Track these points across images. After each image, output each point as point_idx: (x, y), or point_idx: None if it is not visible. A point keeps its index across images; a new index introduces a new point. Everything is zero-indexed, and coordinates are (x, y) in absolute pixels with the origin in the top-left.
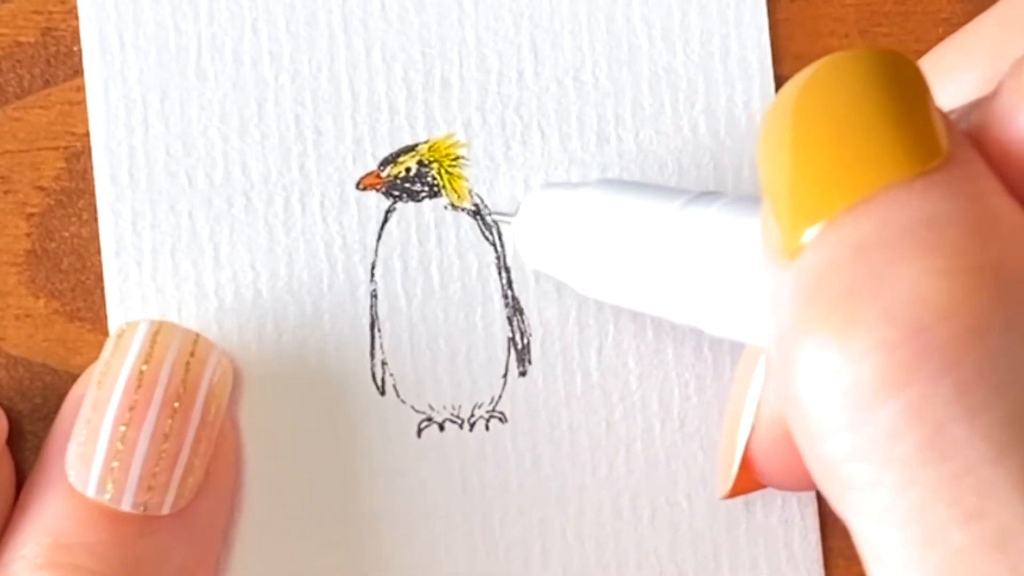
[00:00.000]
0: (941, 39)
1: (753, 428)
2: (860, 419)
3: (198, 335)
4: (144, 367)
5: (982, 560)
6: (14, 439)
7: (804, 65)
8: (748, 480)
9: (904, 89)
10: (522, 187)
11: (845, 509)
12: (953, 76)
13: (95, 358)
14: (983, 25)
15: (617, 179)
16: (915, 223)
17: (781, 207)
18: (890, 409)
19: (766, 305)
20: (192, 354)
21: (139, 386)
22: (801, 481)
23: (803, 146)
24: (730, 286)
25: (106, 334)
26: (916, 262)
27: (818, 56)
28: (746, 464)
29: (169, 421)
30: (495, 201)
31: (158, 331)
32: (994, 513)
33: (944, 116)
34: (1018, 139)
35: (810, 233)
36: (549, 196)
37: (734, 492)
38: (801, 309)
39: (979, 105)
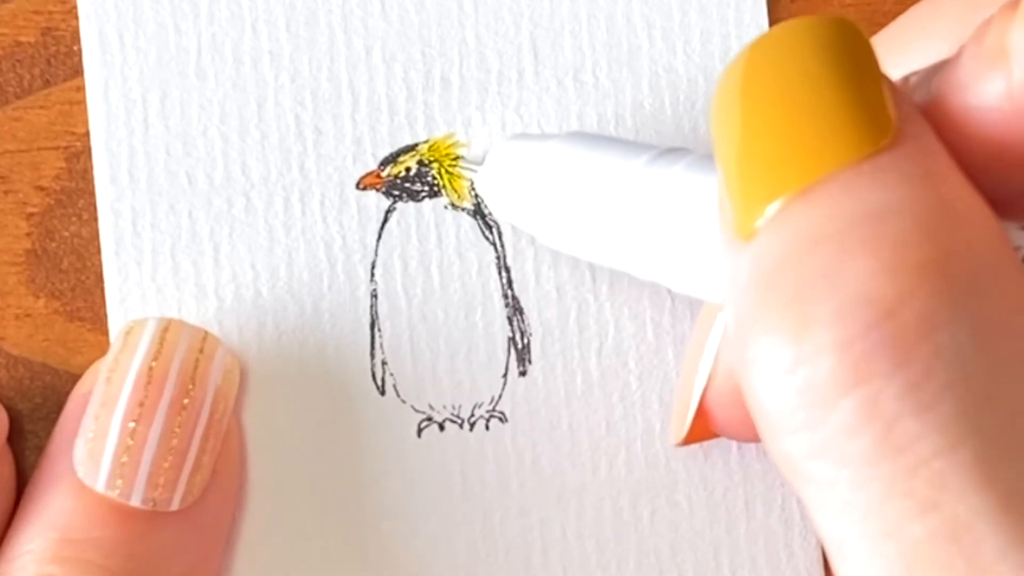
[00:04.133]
0: None
1: (710, 379)
2: (816, 417)
3: (207, 333)
4: (154, 363)
5: (938, 551)
6: (14, 439)
7: None
8: (702, 429)
9: (853, 59)
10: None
11: (807, 503)
12: (919, 46)
13: (95, 358)
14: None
15: (586, 132)
16: (864, 214)
17: (733, 184)
18: (844, 407)
19: (723, 279)
20: (201, 351)
21: (149, 382)
22: (755, 433)
23: (753, 120)
24: (693, 244)
25: (106, 334)
26: (865, 259)
27: None
28: (701, 413)
29: (178, 418)
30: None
31: (167, 328)
32: (948, 504)
33: (894, 88)
34: (976, 109)
35: (763, 218)
36: (517, 147)
37: (688, 440)
38: (756, 302)
39: (940, 69)
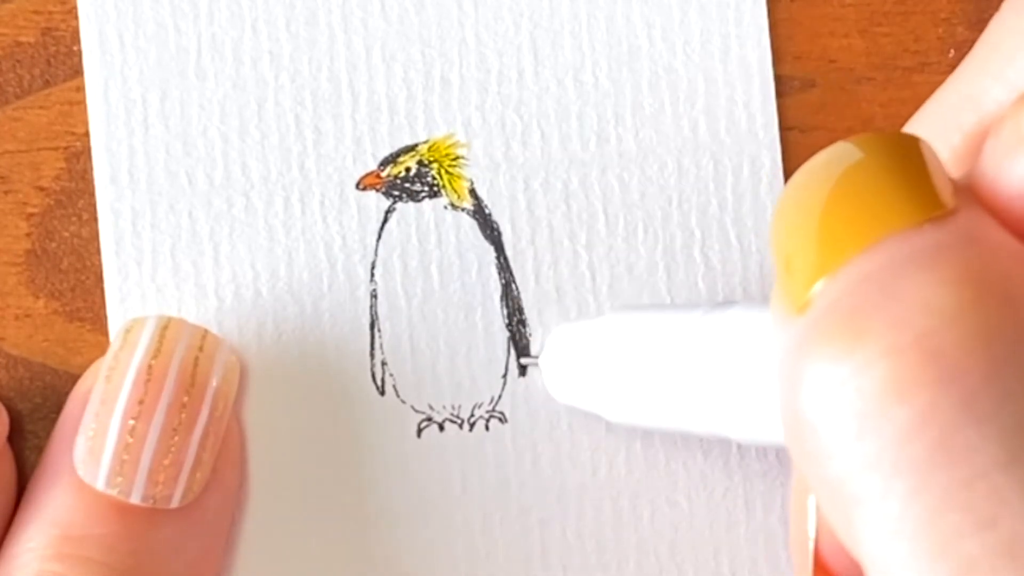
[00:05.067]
0: (941, 39)
1: (818, 531)
2: (869, 427)
3: (206, 331)
4: (153, 361)
5: (995, 569)
6: (14, 439)
7: (804, 65)
8: None
9: (910, 157)
10: (522, 187)
11: (854, 531)
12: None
13: (95, 358)
14: (944, 100)
15: (632, 304)
16: (923, 249)
17: (794, 269)
18: (899, 415)
19: (776, 360)
20: (201, 349)
21: (148, 380)
22: None
23: (816, 214)
24: (758, 389)
25: (106, 334)
26: (923, 275)
27: (818, 56)
28: (820, 566)
29: (178, 415)
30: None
31: (167, 326)
32: (1006, 520)
33: (951, 179)
34: (1006, 195)
35: (819, 284)
36: (572, 330)
37: None
38: (808, 336)
39: (966, 173)
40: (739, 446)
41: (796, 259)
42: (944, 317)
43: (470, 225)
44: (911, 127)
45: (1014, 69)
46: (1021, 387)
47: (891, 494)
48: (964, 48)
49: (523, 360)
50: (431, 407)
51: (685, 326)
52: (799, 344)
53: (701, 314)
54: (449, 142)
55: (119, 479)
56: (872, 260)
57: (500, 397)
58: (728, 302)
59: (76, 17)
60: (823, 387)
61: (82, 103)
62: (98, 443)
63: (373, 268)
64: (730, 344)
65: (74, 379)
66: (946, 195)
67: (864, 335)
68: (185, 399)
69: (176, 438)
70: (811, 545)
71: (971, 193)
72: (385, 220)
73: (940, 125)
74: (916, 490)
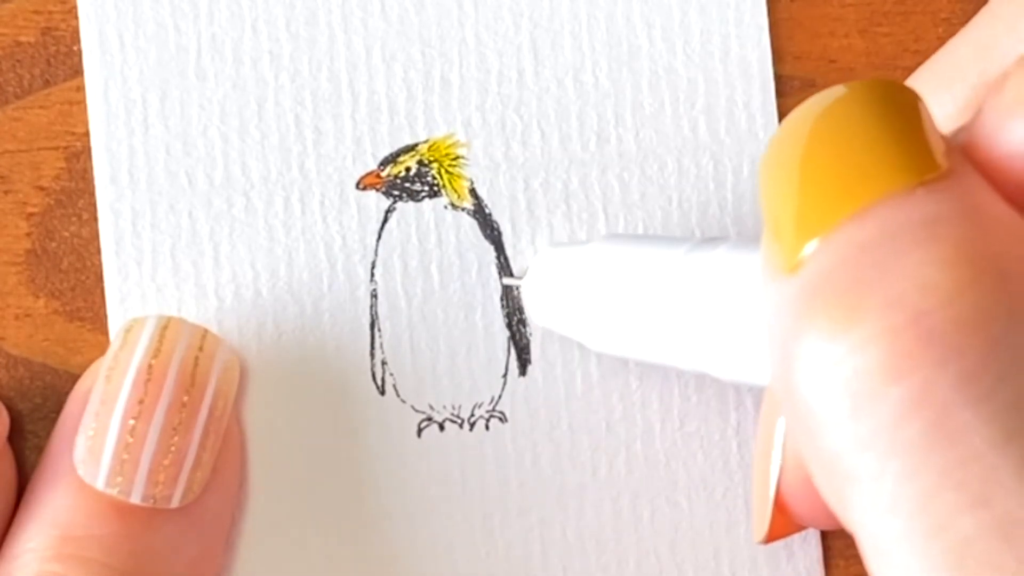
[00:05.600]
0: (941, 39)
1: (782, 469)
2: (864, 407)
3: (206, 330)
4: (153, 361)
5: (988, 549)
6: (14, 439)
7: (804, 65)
8: (784, 523)
9: (903, 112)
10: (522, 186)
11: (848, 507)
12: (932, 100)
13: (95, 358)
14: (957, 51)
15: (622, 234)
16: (918, 221)
17: (783, 224)
18: (894, 395)
19: (766, 320)
20: (201, 349)
21: (148, 380)
22: (837, 519)
23: (806, 167)
24: (739, 328)
25: (106, 334)
26: (919, 253)
27: (818, 56)
28: (780, 506)
29: (178, 415)
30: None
31: (167, 326)
32: (1000, 500)
33: (943, 137)
34: (1004, 155)
35: (811, 246)
36: (556, 255)
37: (771, 536)
38: (802, 308)
39: (964, 128)
40: (739, 445)
41: (785, 212)
42: (940, 297)
43: (470, 225)
44: (920, 77)
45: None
46: (1016, 367)
47: (886, 473)
48: None
49: (506, 280)
50: (431, 407)
51: (671, 261)
52: (793, 315)
53: (687, 250)
54: (449, 142)
55: (119, 479)
56: (865, 228)
57: (500, 397)
58: (717, 239)
59: (76, 17)
60: (818, 364)
61: (82, 103)
62: (98, 443)
63: (373, 268)
64: (714, 283)
65: (74, 379)
66: (939, 155)
67: (860, 313)
68: (185, 399)
69: (176, 438)
70: (772, 486)
71: (965, 152)
72: (385, 220)
73: (949, 76)
74: (912, 470)
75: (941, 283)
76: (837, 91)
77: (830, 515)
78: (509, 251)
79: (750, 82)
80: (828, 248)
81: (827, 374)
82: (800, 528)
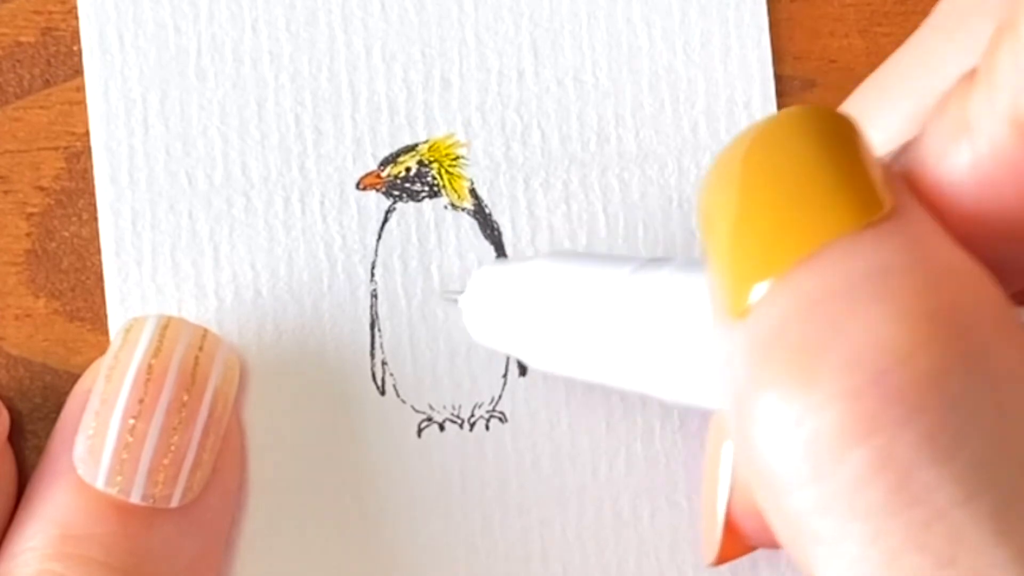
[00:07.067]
0: None
1: (731, 490)
2: (824, 470)
3: (206, 330)
4: (153, 361)
5: None
6: (14, 439)
7: (804, 65)
8: (735, 544)
9: (844, 145)
10: (522, 187)
11: (811, 565)
12: (877, 118)
13: (95, 358)
14: (899, 64)
15: (566, 250)
16: (868, 272)
17: (726, 267)
18: (856, 457)
19: (719, 368)
20: (201, 348)
21: (148, 379)
22: None
23: (747, 205)
24: (683, 351)
25: (106, 334)
26: (873, 309)
27: (818, 56)
28: (731, 528)
29: (178, 415)
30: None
31: (167, 325)
32: (966, 560)
33: (885, 169)
34: (946, 183)
35: (758, 291)
36: (497, 272)
37: (721, 558)
38: (757, 364)
39: (907, 149)
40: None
41: (727, 253)
42: (898, 356)
43: (470, 225)
44: (865, 91)
45: (965, 31)
46: (976, 424)
47: (850, 536)
48: None
49: (444, 295)
50: (431, 407)
51: (615, 281)
52: (748, 369)
53: (632, 270)
54: (449, 142)
55: (119, 478)
56: (815, 278)
57: (500, 397)
58: (663, 259)
59: (76, 17)
60: (777, 425)
61: (82, 103)
62: (98, 442)
63: (373, 268)
64: (658, 305)
65: (74, 379)
66: (882, 190)
67: (818, 374)
68: (185, 398)
69: (176, 437)
70: (722, 509)
71: (907, 179)
72: (385, 220)
73: (894, 90)
74: (875, 533)
75: (898, 341)
76: (773, 120)
77: None
78: (509, 251)
79: (750, 82)
80: (778, 299)
81: (786, 436)
82: (752, 549)
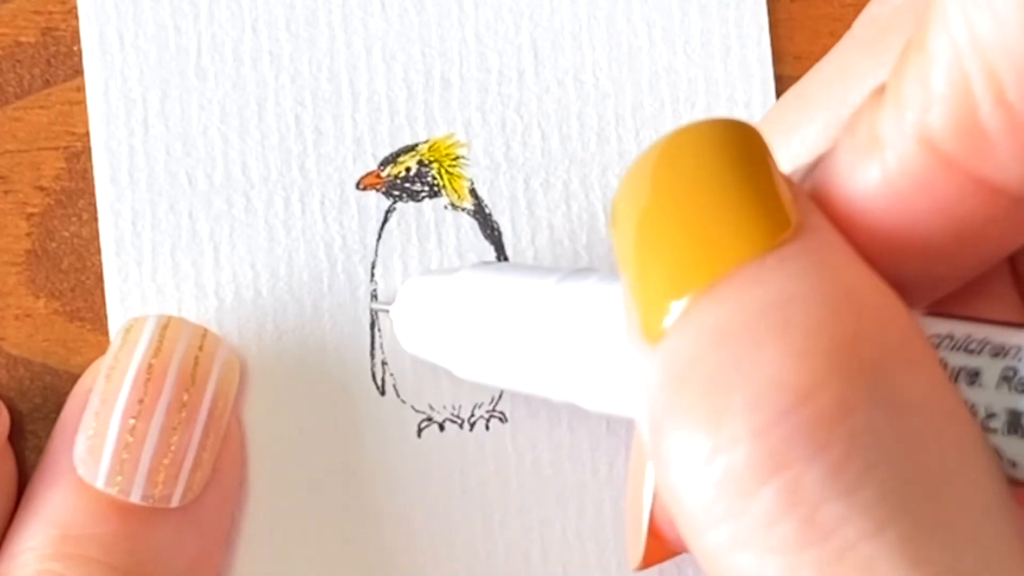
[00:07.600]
0: None
1: (655, 496)
2: (736, 507)
3: (206, 330)
4: (153, 360)
5: None
6: (14, 439)
7: (804, 65)
8: (660, 549)
9: (751, 159)
10: (522, 187)
11: None
12: (797, 128)
13: (95, 358)
14: (821, 74)
15: (493, 262)
16: (771, 304)
17: (637, 286)
18: (766, 494)
19: (635, 387)
20: (201, 348)
21: (148, 379)
22: None
23: (654, 223)
24: (607, 360)
25: (106, 334)
26: (775, 346)
27: (818, 56)
28: (655, 533)
29: (178, 414)
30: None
31: (167, 325)
32: None
33: (791, 183)
34: (857, 199)
35: (670, 317)
36: (425, 283)
37: (646, 562)
38: (668, 401)
39: (818, 164)
40: None
41: (637, 274)
42: (798, 394)
43: (470, 225)
44: (786, 102)
45: (882, 45)
46: (882, 453)
47: (766, 570)
48: None
49: (373, 305)
50: (431, 407)
51: (540, 291)
52: (661, 399)
53: (557, 280)
54: (449, 142)
55: (119, 478)
56: (721, 309)
57: (500, 397)
58: (588, 269)
59: (76, 17)
60: (689, 462)
61: (82, 103)
62: (98, 442)
63: (373, 268)
64: (582, 315)
65: (74, 379)
66: (789, 207)
67: (724, 413)
68: (185, 398)
69: (176, 437)
70: (646, 516)
71: (816, 196)
72: (385, 220)
73: (814, 101)
74: (791, 567)
75: (798, 379)
76: (681, 131)
77: None
78: (509, 251)
79: (750, 82)
80: (687, 330)
81: (698, 474)
82: (676, 553)
